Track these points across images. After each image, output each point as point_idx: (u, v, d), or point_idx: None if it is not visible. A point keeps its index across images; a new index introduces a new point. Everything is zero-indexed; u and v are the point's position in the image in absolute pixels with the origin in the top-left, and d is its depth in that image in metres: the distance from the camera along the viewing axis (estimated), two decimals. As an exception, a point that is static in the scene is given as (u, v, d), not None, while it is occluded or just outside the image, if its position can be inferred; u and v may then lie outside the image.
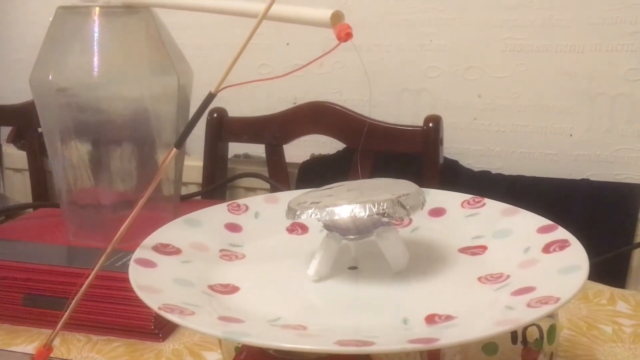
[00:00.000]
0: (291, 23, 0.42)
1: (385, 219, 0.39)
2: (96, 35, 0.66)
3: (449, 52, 1.05)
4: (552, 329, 0.46)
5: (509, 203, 0.50)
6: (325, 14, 0.39)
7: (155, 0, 0.65)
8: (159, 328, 0.58)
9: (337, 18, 0.39)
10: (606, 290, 0.69)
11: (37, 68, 0.68)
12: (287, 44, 1.13)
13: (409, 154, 0.95)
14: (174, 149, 0.40)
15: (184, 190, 1.07)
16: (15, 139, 1.19)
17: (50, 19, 0.69)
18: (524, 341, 0.47)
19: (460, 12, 1.03)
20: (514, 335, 0.47)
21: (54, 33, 0.68)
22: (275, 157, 1.04)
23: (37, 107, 0.69)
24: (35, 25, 1.26)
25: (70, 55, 0.66)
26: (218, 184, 1.02)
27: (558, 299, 0.34)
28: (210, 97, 0.38)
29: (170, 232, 0.47)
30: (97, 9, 0.66)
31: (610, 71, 0.97)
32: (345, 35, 0.36)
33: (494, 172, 1.02)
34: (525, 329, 0.46)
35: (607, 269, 0.89)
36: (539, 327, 0.47)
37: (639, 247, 0.93)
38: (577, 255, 0.39)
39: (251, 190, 1.13)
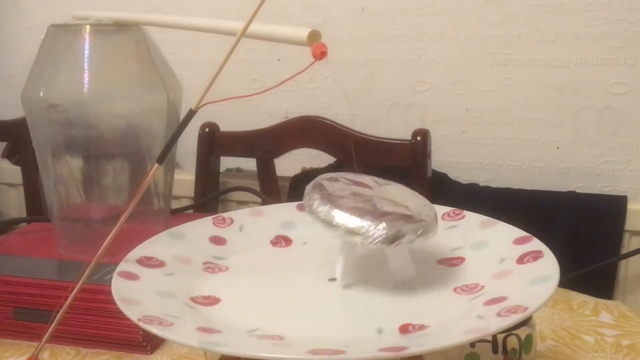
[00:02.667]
0: (270, 41, 0.43)
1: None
2: (87, 52, 0.67)
3: (437, 66, 1.07)
4: (529, 339, 0.47)
5: (497, 215, 0.51)
6: (303, 32, 0.40)
7: (143, 18, 0.66)
8: (147, 340, 0.59)
9: (313, 37, 0.40)
10: (590, 301, 0.70)
11: (29, 85, 0.69)
12: (279, 60, 1.15)
13: (399, 168, 0.96)
14: (156, 164, 0.41)
15: (176, 204, 1.08)
16: (10, 154, 1.20)
17: (42, 36, 0.70)
18: (505, 351, 0.48)
19: (448, 28, 1.04)
20: (494, 345, 0.47)
21: (46, 50, 0.69)
22: (266, 170, 1.05)
23: (28, 123, 0.70)
24: (30, 42, 1.28)
25: (62, 72, 0.68)
26: (208, 197, 1.03)
27: (526, 308, 0.35)
28: (191, 113, 0.39)
29: (155, 245, 0.48)
30: (88, 27, 0.68)
31: (595, 85, 0.99)
32: (320, 54, 0.38)
33: (482, 184, 1.03)
34: (505, 338, 0.47)
35: (594, 280, 0.90)
36: (518, 336, 0.48)
37: (626, 258, 0.94)
38: (548, 266, 0.40)
39: (242, 204, 1.14)
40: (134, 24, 0.69)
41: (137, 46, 0.70)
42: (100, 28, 0.69)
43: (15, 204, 1.28)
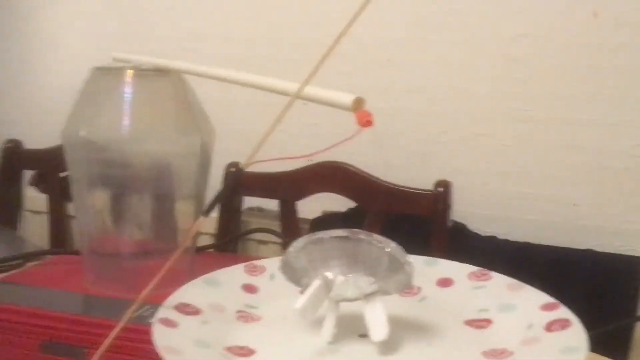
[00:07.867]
0: (316, 103, 0.45)
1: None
2: (127, 95, 0.70)
3: (459, 119, 1.09)
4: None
5: (515, 270, 0.52)
6: (348, 98, 0.42)
7: (184, 67, 0.68)
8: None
9: (358, 104, 0.42)
10: (605, 362, 0.70)
11: (70, 123, 0.71)
12: (304, 104, 1.17)
13: (418, 216, 0.98)
14: (201, 217, 0.43)
15: (198, 241, 1.09)
16: (38, 182, 1.23)
17: (85, 77, 0.73)
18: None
19: (470, 82, 1.07)
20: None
21: (88, 91, 0.72)
22: (288, 212, 1.07)
23: (67, 158, 0.72)
24: (62, 75, 1.32)
25: (102, 113, 0.70)
26: (231, 237, 1.05)
27: (557, 380, 0.36)
28: (239, 171, 0.41)
29: (191, 291, 0.49)
30: (130, 71, 0.70)
31: (616, 146, 1.00)
32: (365, 122, 0.40)
33: (500, 237, 1.04)
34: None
35: (610, 341, 0.90)
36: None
37: (642, 319, 0.94)
38: (577, 336, 0.41)
39: (263, 243, 1.15)
40: (175, 71, 0.71)
41: (176, 91, 0.72)
42: (141, 72, 0.71)
43: (39, 232, 1.30)
